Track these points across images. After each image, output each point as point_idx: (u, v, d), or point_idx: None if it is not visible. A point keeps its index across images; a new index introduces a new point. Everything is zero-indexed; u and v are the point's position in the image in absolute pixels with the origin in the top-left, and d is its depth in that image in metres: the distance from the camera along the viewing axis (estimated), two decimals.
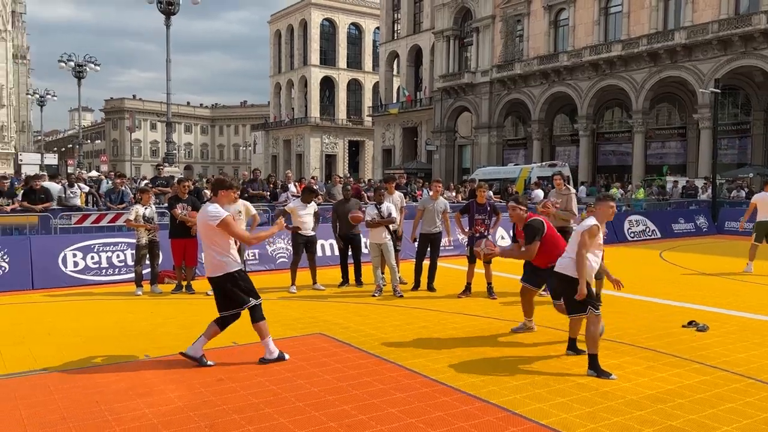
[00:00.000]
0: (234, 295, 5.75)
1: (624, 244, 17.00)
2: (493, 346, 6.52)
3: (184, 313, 8.35)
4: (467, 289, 9.47)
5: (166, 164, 24.23)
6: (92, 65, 44.34)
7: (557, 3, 41.33)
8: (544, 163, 32.63)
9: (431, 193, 10.53)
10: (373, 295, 9.41)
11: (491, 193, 17.91)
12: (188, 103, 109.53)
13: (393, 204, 9.94)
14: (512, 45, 44.67)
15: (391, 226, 9.61)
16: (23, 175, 19.00)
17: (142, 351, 6.24)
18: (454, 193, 19.01)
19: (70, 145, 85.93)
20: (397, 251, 9.93)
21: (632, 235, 18.11)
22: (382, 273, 9.67)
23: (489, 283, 9.35)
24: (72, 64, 43.22)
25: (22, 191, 12.38)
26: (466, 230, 9.85)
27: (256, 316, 5.82)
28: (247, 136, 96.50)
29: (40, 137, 78.05)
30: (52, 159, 65.13)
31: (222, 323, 5.86)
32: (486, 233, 9.39)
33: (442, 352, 6.29)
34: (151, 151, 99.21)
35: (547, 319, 7.54)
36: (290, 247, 11.14)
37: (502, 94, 44.90)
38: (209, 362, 5.77)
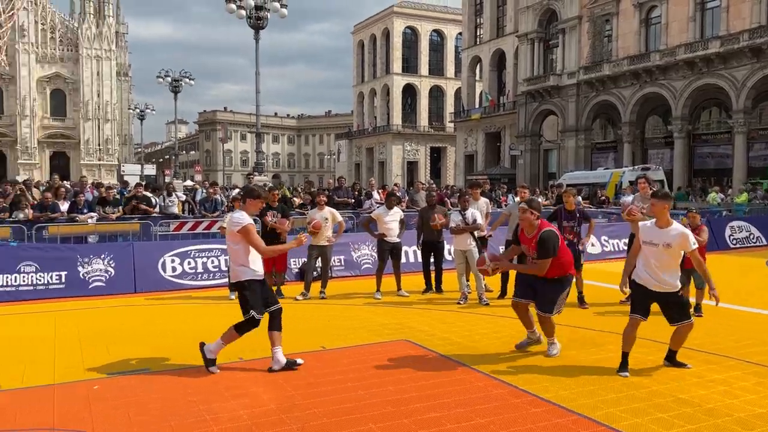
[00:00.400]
0: (242, 303, 5.89)
1: (725, 252, 16.00)
2: (585, 357, 6.29)
3: (287, 312, 8.58)
4: None
5: (256, 173, 25.14)
6: (187, 80, 46.72)
7: (648, 0, 39.64)
8: (636, 167, 31.30)
9: (518, 198, 10.34)
10: (459, 303, 9.32)
11: (580, 198, 17.35)
12: (275, 113, 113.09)
13: (478, 210, 9.82)
14: (600, 45, 43.22)
15: (476, 233, 9.51)
16: (130, 187, 20.32)
17: (236, 353, 6.46)
18: (540, 199, 18.55)
19: (167, 156, 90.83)
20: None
21: (734, 242, 17.02)
22: (467, 280, 9.57)
23: (580, 292, 9.05)
24: (169, 79, 45.76)
25: (126, 200, 13.21)
26: None
27: (242, 326, 5.86)
28: (331, 145, 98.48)
29: (140, 149, 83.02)
30: (150, 169, 69.17)
31: (271, 325, 5.96)
32: (576, 241, 9.11)
33: (531, 361, 6.15)
34: (242, 160, 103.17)
35: (642, 331, 7.20)
36: (375, 254, 11.24)
37: (590, 96, 43.50)
38: (299, 360, 5.97)
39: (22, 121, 66.12)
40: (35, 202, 12.57)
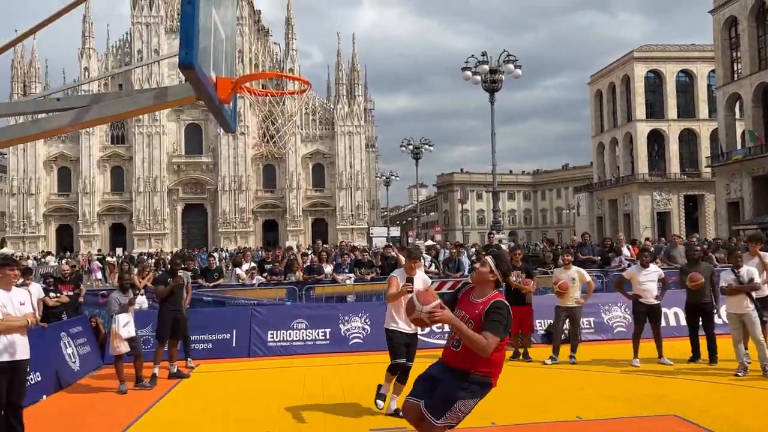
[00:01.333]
0: (388, 348, 6.77)
1: None
2: None
3: (525, 380, 8.38)
4: None
5: (494, 232, 25.34)
6: (427, 146, 49.53)
7: None
8: None
9: None
10: (736, 374, 8.12)
11: None
12: (510, 171, 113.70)
13: (754, 267, 8.58)
14: None
15: (753, 293, 8.29)
16: (375, 247, 22.14)
17: (488, 418, 6.40)
18: None
19: (410, 218, 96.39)
20: (763, 323, 8.48)
21: None
22: (746, 349, 8.33)
23: None
24: (410, 147, 49.00)
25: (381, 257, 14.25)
26: None
27: (390, 368, 6.69)
28: (569, 199, 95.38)
29: (385, 213, 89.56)
30: (395, 231, 73.99)
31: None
32: None
33: None
34: (478, 219, 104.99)
35: None
36: (629, 316, 10.42)
37: None
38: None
39: (290, 193, 75.96)
40: (305, 266, 14.17)
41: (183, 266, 9.67)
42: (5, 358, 5.54)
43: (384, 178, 66.07)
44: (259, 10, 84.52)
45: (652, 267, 9.43)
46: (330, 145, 78.15)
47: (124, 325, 8.06)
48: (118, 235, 74.09)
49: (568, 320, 9.72)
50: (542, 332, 11.25)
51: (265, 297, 12.41)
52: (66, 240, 73.05)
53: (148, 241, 71.36)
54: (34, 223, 71.74)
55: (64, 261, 29.30)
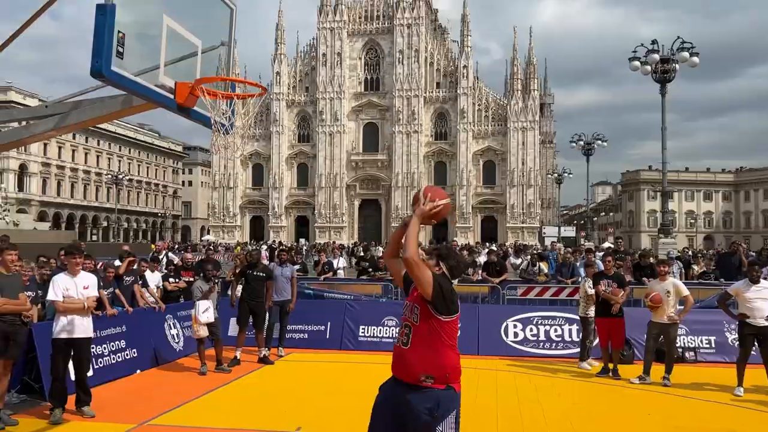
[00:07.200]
0: None
1: None
2: None
3: (595, 398, 7.70)
4: None
5: (662, 235, 23.22)
6: (599, 142, 46.59)
7: None
8: None
9: None
10: None
11: None
12: (708, 168, 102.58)
13: None
14: None
15: None
16: (521, 245, 21.56)
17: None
18: None
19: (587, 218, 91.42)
20: None
21: None
22: None
23: None
24: (581, 143, 46.46)
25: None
26: None
27: None
28: None
29: (565, 212, 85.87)
30: (570, 231, 70.57)
31: None
32: None
33: None
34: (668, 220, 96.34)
35: None
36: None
37: None
38: None
39: (460, 190, 75.94)
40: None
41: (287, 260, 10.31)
42: (63, 336, 6.39)
43: (556, 175, 63.41)
44: (437, 9, 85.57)
45: (764, 283, 8.05)
46: (502, 141, 76.76)
47: (204, 311, 8.82)
48: (302, 226, 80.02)
49: (661, 338, 8.67)
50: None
51: (363, 292, 12.70)
52: (258, 230, 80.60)
53: (328, 233, 76.01)
54: (232, 214, 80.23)
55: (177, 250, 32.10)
